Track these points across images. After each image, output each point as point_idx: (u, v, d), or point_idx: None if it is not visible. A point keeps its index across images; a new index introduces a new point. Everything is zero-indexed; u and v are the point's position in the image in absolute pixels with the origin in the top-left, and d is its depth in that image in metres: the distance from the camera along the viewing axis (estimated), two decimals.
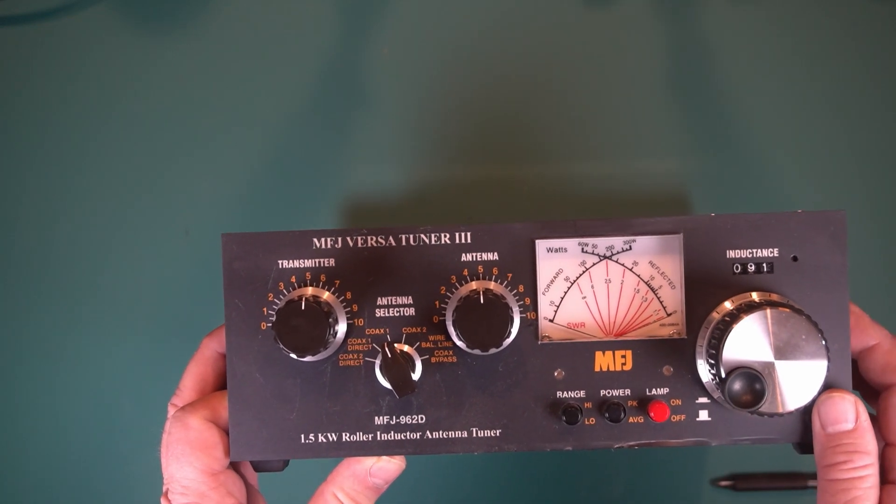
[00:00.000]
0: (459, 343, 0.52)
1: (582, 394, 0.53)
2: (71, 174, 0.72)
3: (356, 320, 0.53)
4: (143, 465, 0.72)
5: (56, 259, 0.72)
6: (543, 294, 0.54)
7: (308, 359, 0.52)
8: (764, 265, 0.53)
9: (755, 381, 0.49)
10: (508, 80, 0.72)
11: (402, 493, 0.71)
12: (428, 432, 0.53)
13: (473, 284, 0.53)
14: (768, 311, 0.49)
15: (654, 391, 0.53)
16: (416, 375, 0.53)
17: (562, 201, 0.72)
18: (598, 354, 0.54)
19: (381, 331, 0.53)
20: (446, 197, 0.72)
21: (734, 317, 0.50)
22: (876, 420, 0.52)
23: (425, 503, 0.73)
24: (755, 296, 0.52)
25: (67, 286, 0.72)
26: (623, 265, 0.54)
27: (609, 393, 0.53)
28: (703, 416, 0.53)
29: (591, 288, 0.54)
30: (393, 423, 0.53)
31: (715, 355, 0.50)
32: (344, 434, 0.53)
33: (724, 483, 0.72)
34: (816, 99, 0.72)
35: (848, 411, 0.50)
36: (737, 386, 0.49)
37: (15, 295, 0.72)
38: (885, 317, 0.55)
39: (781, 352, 0.49)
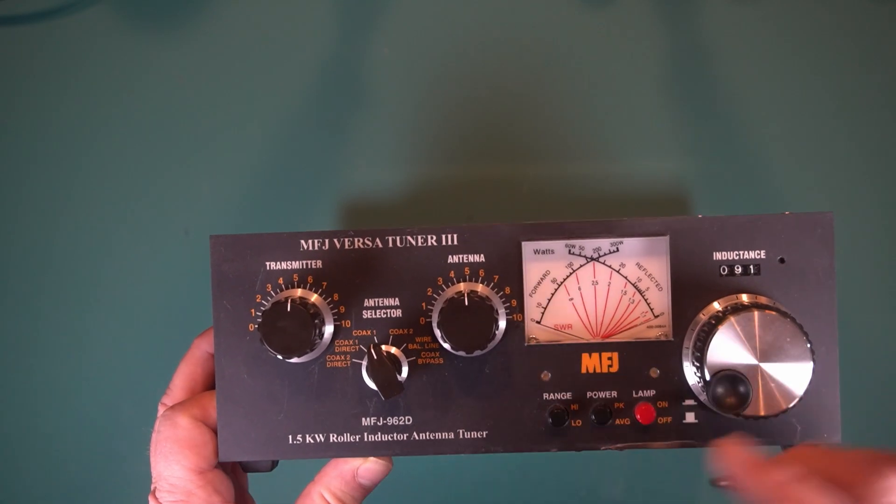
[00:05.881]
0: (445, 345, 0.52)
1: (568, 395, 0.53)
2: (70, 174, 0.73)
3: (343, 322, 0.54)
4: (141, 465, 0.72)
5: (55, 258, 0.73)
6: (530, 296, 0.54)
7: (295, 360, 0.53)
8: (751, 267, 0.53)
9: (739, 383, 0.49)
10: (508, 80, 0.72)
11: (400, 495, 0.72)
12: (415, 433, 0.54)
13: (460, 286, 0.53)
14: (755, 313, 0.49)
15: (640, 393, 0.53)
16: (402, 377, 0.53)
17: (562, 201, 0.72)
18: (585, 356, 0.54)
19: (368, 332, 0.54)
20: (446, 197, 0.72)
21: (719, 319, 0.50)
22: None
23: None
24: (742, 298, 0.52)
25: (66, 286, 0.73)
26: (610, 267, 0.54)
27: (596, 395, 0.53)
28: (690, 418, 0.53)
29: (578, 290, 0.54)
30: (380, 424, 0.54)
31: (700, 357, 0.50)
32: (331, 435, 0.54)
33: (724, 483, 0.71)
34: (815, 99, 0.71)
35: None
36: (721, 389, 0.49)
37: (13, 294, 0.73)
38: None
39: (766, 354, 0.49)
